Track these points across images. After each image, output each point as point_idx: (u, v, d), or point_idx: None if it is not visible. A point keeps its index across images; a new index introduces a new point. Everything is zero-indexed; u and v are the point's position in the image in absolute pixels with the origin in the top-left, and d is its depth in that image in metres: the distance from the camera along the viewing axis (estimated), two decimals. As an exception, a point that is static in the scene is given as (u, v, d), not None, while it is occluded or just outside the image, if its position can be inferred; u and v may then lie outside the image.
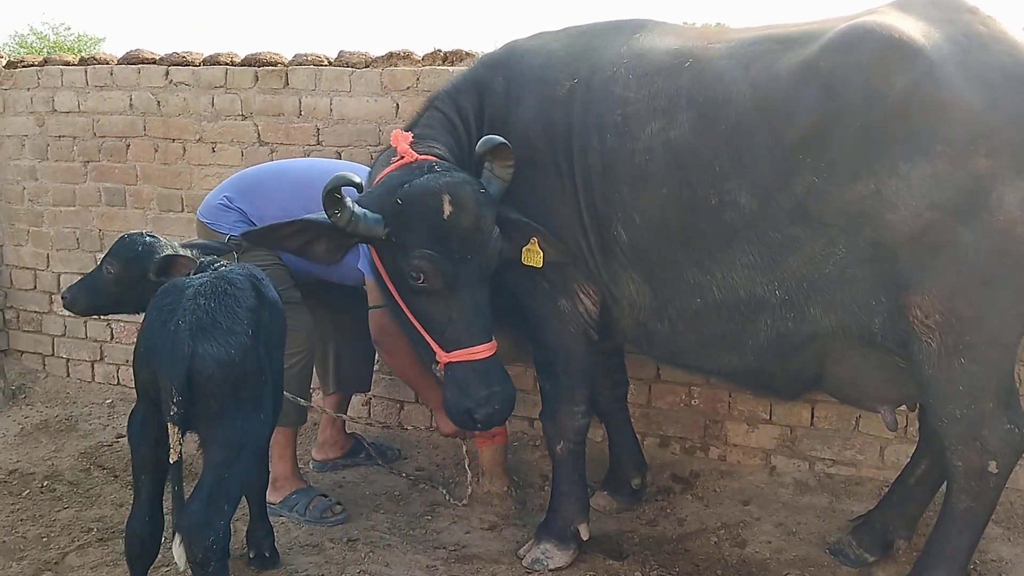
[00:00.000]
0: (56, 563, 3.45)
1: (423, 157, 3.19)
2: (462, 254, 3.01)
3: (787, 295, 3.00)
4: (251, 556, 3.42)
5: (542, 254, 3.19)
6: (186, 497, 2.72)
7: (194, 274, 3.04)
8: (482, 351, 3.07)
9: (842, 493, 4.00)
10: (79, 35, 27.29)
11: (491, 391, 3.07)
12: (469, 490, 4.05)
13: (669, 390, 4.34)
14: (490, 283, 3.16)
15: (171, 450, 2.61)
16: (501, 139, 3.11)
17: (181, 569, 2.71)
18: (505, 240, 3.15)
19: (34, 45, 25.60)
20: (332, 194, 2.92)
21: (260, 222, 3.63)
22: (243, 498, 3.39)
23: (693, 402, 4.30)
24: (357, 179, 2.96)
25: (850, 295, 2.93)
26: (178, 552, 2.63)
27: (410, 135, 3.28)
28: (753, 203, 2.93)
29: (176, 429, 2.60)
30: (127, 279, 3.16)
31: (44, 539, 3.64)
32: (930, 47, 2.75)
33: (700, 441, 4.33)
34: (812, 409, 4.10)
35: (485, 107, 3.43)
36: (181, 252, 3.16)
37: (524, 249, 3.20)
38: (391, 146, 3.27)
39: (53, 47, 25.26)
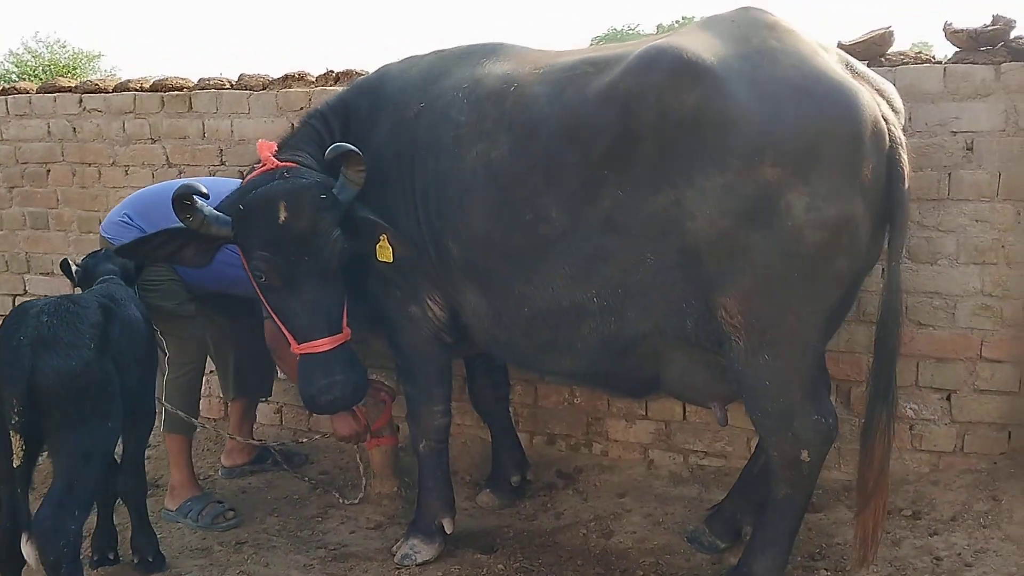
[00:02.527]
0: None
1: (283, 164, 3.41)
2: (298, 255, 3.23)
3: (605, 301, 3.18)
4: (135, 561, 3.63)
5: (391, 249, 3.38)
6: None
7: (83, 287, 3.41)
8: (322, 344, 3.31)
9: (712, 483, 4.17)
10: (75, 52, 26.87)
11: (331, 380, 3.32)
12: (363, 492, 4.27)
13: (553, 390, 4.53)
14: (338, 281, 3.38)
15: (14, 456, 2.85)
16: (350, 146, 3.31)
17: (34, 567, 2.93)
18: (359, 237, 3.37)
19: (29, 64, 25.35)
20: (182, 200, 3.19)
21: None
22: (125, 506, 3.65)
23: (576, 400, 4.49)
24: (203, 188, 3.24)
25: (663, 299, 3.10)
26: (27, 550, 2.87)
27: (274, 145, 3.54)
28: (565, 217, 3.12)
29: (18, 437, 2.84)
30: None
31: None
32: (719, 65, 2.90)
33: (584, 438, 4.52)
34: (684, 405, 4.27)
35: (351, 127, 3.65)
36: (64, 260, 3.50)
37: (377, 246, 3.39)
38: None
39: (48, 65, 24.93)
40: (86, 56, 26.72)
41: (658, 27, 41.83)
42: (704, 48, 2.96)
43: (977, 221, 3.66)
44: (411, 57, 3.87)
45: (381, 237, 3.38)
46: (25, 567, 3.13)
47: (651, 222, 3.01)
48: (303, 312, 3.31)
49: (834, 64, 2.97)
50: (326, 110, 3.79)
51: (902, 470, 3.88)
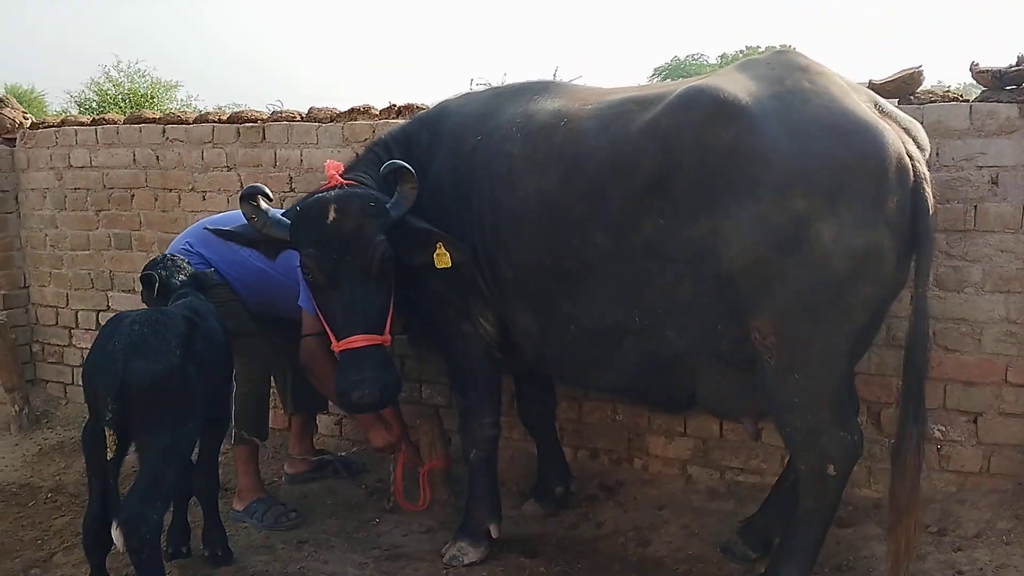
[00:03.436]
0: (44, 561, 4.02)
1: (347, 182, 3.72)
2: (342, 254, 3.51)
3: (646, 321, 3.43)
4: (206, 555, 3.94)
5: (448, 255, 3.64)
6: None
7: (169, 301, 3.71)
8: (356, 341, 3.53)
9: (747, 499, 4.35)
10: (153, 81, 26.86)
11: (362, 376, 3.52)
12: (390, 503, 4.52)
13: (597, 407, 4.76)
14: (382, 288, 3.61)
15: (107, 449, 3.19)
16: (402, 163, 3.64)
17: (121, 550, 3.25)
18: (417, 247, 3.65)
19: (109, 92, 25.53)
20: (248, 201, 3.58)
21: (217, 264, 4.21)
22: (198, 504, 3.97)
23: (618, 417, 4.72)
24: (267, 189, 3.64)
25: (699, 320, 3.33)
26: (116, 535, 3.19)
27: (341, 166, 3.86)
28: (609, 243, 3.38)
29: (111, 432, 3.18)
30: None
31: (39, 541, 4.23)
32: (754, 104, 3.14)
33: (626, 453, 4.74)
34: (721, 423, 4.48)
35: (412, 157, 3.92)
36: (148, 274, 3.79)
37: (435, 255, 3.65)
38: None
39: (128, 93, 25.12)
40: (164, 85, 26.79)
41: (721, 57, 41.89)
42: (740, 88, 3.21)
43: (1002, 251, 3.84)
44: (468, 93, 4.19)
45: (438, 245, 3.64)
46: (111, 551, 3.48)
47: (689, 248, 3.25)
48: (343, 310, 3.56)
49: (862, 104, 3.19)
50: (389, 140, 4.11)
51: (930, 489, 4.02)
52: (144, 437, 3.30)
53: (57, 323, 6.29)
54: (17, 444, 5.69)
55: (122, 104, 23.11)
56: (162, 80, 26.83)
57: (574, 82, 4.18)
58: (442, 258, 3.65)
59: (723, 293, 3.25)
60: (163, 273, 3.81)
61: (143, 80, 26.49)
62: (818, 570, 3.60)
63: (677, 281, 3.33)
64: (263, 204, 3.63)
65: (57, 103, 26.45)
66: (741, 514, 4.22)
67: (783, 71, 3.29)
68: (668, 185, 3.25)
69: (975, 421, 4.02)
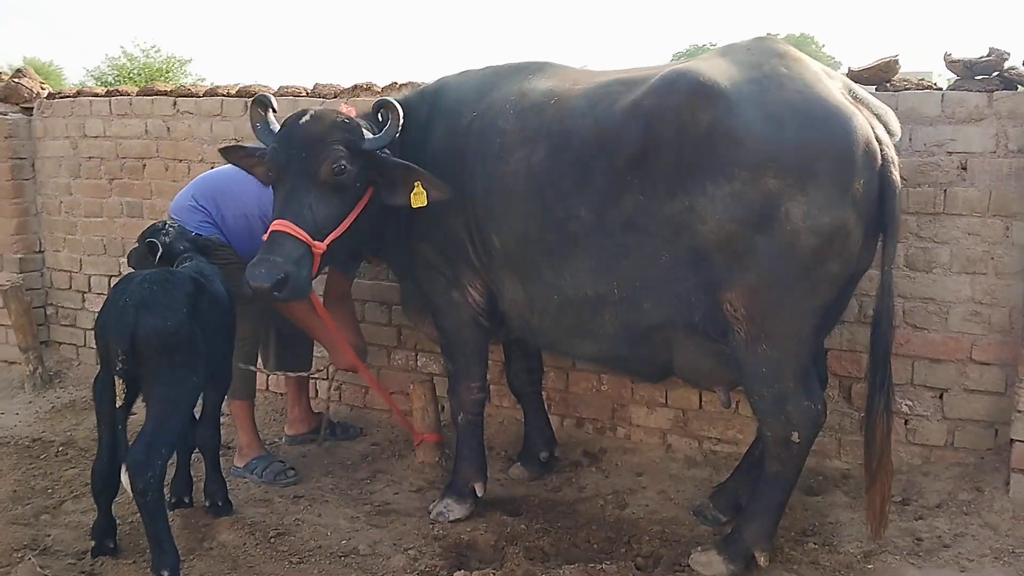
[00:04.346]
0: (54, 508, 4.25)
1: None
2: (296, 151, 3.66)
3: (624, 293, 3.61)
4: (207, 505, 4.17)
5: (426, 194, 3.76)
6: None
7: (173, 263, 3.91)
8: (280, 225, 3.62)
9: (723, 467, 4.54)
10: (168, 57, 27.61)
11: (267, 256, 3.59)
12: None
13: (583, 377, 4.97)
14: (335, 203, 3.70)
15: (117, 397, 3.41)
16: (391, 99, 3.84)
17: (127, 491, 3.47)
18: (396, 186, 3.78)
19: (125, 67, 26.13)
20: (258, 106, 3.86)
21: (222, 221, 4.43)
22: (201, 457, 4.19)
23: (602, 388, 4.92)
24: (275, 102, 3.92)
25: (675, 292, 3.52)
26: (124, 478, 3.42)
27: (353, 109, 4.02)
28: (592, 216, 3.56)
29: (121, 381, 3.40)
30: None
31: (49, 490, 4.46)
32: (731, 88, 3.31)
33: (609, 422, 4.95)
34: (700, 395, 4.67)
35: (409, 128, 4.01)
36: (151, 241, 3.95)
37: (412, 194, 3.77)
38: None
39: (143, 68, 25.71)
40: (178, 61, 27.47)
41: (738, 45, 41.74)
42: (719, 73, 3.37)
43: (969, 234, 4.02)
44: (467, 71, 4.36)
45: (415, 184, 3.76)
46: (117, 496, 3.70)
47: (667, 224, 3.43)
48: (281, 201, 3.69)
49: (835, 90, 3.36)
50: None
51: (896, 461, 4.13)
52: (151, 388, 3.52)
53: (71, 287, 6.52)
54: (31, 402, 5.94)
55: (136, 78, 23.51)
56: (176, 56, 27.44)
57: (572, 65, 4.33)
58: (419, 197, 3.75)
59: (697, 267, 3.43)
60: (166, 239, 4.01)
61: (158, 55, 27.02)
62: (785, 534, 3.82)
63: (654, 255, 3.51)
64: (269, 115, 3.87)
65: (75, 76, 27.00)
66: (716, 481, 4.42)
67: (761, 56, 3.46)
68: (648, 163, 3.43)
69: (941, 397, 4.20)
